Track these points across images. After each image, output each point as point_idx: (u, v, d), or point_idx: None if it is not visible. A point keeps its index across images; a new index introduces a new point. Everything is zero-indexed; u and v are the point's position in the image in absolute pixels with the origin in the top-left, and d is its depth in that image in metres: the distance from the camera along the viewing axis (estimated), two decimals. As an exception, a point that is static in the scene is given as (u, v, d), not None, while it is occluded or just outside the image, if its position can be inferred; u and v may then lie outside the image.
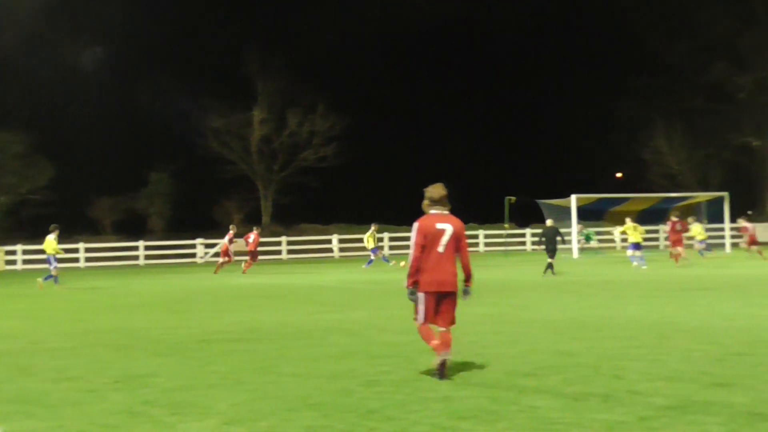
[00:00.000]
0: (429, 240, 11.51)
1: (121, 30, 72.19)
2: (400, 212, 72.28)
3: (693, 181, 75.65)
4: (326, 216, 70.63)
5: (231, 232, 42.65)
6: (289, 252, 60.38)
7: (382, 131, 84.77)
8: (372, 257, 45.58)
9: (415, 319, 11.77)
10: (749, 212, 76.15)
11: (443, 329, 11.61)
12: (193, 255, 58.26)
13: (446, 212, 11.76)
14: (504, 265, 43.17)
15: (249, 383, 11.51)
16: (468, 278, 12.02)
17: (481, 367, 12.28)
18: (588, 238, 49.86)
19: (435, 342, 11.42)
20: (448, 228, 11.58)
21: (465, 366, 12.32)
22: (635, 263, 37.53)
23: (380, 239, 54.88)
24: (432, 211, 11.73)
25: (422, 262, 11.51)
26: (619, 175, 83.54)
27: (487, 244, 63.70)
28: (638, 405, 9.63)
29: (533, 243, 36.50)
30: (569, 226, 51.54)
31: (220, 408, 10.07)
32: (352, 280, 34.19)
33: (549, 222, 35.94)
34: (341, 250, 61.62)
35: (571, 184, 57.61)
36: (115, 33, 71.61)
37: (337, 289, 29.37)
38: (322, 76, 76.99)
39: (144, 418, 9.77)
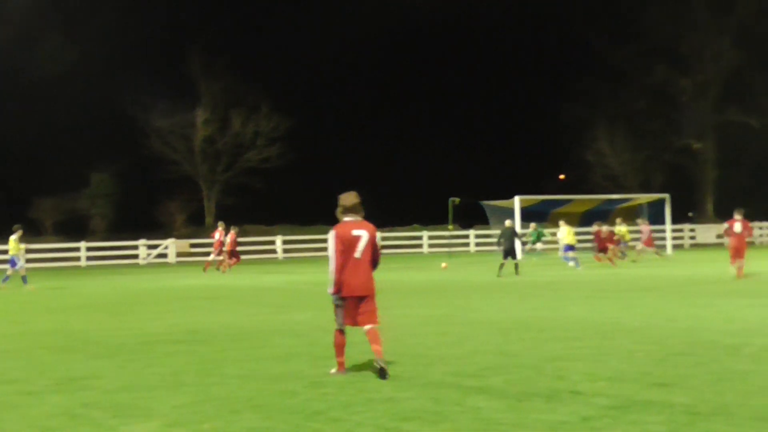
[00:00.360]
0: (346, 246, 11.89)
1: (62, 29, 71.37)
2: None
3: (635, 182, 76.35)
4: (270, 217, 70.33)
5: (233, 232, 42.40)
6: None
7: (325, 131, 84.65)
8: None
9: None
10: (690, 214, 77.26)
11: (369, 327, 12.05)
12: (136, 256, 57.80)
13: (360, 219, 12.12)
14: (448, 266, 43.23)
15: (191, 385, 11.43)
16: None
17: (425, 368, 12.29)
18: (539, 237, 50.04)
19: (341, 359, 12.04)
20: (363, 234, 12.00)
21: (409, 367, 12.32)
22: (570, 264, 38.03)
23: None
24: (346, 219, 12.10)
25: (340, 267, 11.90)
26: (562, 176, 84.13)
27: (431, 246, 63.82)
28: (581, 405, 9.68)
29: (497, 244, 36.61)
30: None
31: (163, 410, 9.98)
32: (296, 281, 34.10)
33: (507, 223, 36.14)
34: (285, 251, 61.42)
35: (515, 185, 57.88)
36: (57, 32, 70.71)
37: (281, 291, 29.28)
38: (265, 76, 76.70)
39: (84, 420, 9.65)
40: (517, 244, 35.96)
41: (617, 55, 78.08)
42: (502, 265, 34.01)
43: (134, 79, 70.98)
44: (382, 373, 11.56)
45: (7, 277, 33.75)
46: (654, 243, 45.70)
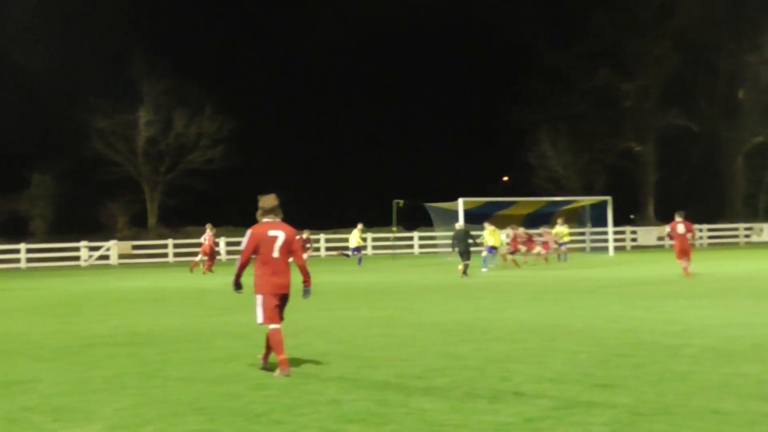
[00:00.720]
0: (263, 246, 12.54)
1: (3, 28, 70.52)
2: (288, 214, 72.31)
3: (578, 185, 76.96)
4: (214, 218, 69.91)
5: (210, 233, 42.42)
6: (176, 255, 59.68)
7: (270, 133, 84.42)
8: (359, 255, 46.12)
9: (258, 321, 12.73)
10: (632, 216, 78.05)
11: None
12: (78, 258, 57.19)
13: (278, 220, 12.75)
14: (392, 268, 43.27)
15: (134, 388, 11.33)
16: (306, 279, 12.87)
17: (369, 369, 12.28)
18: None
19: (283, 357, 12.15)
20: (280, 235, 12.56)
21: (353, 369, 12.31)
22: (485, 266, 38.31)
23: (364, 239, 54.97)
24: (265, 220, 12.74)
25: (259, 267, 12.68)
26: (505, 178, 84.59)
27: (375, 248, 63.82)
28: (524, 406, 9.73)
29: (451, 246, 36.74)
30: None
31: (104, 413, 9.88)
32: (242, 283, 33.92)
33: (459, 224, 36.10)
34: (229, 252, 61.08)
35: (459, 187, 58.08)
36: (-2, 31, 70.03)
37: (224, 293, 29.08)
38: (209, 77, 76.38)
39: (24, 424, 9.53)
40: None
41: (559, 58, 78.78)
42: (466, 266, 34.09)
43: (76, 79, 70.37)
44: (265, 362, 12.55)
45: None
46: (551, 247, 45.53)
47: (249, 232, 12.65)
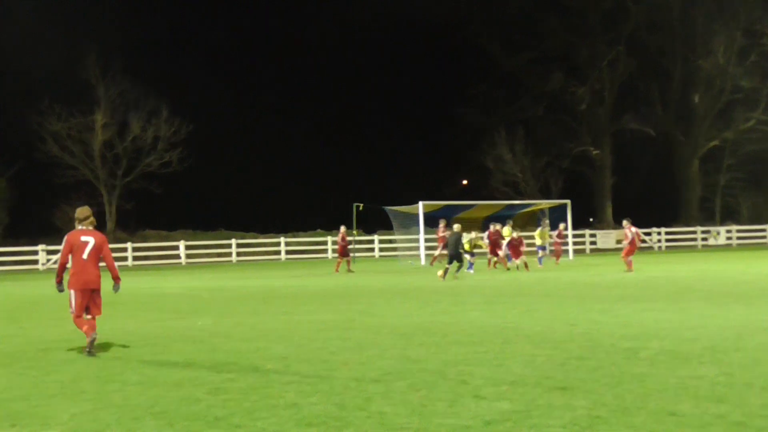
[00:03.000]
0: (75, 249, 14.93)
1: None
2: (247, 217, 72.06)
3: (535, 188, 77.37)
4: (171, 222, 69.67)
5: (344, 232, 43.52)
6: (135, 258, 59.38)
7: (227, 136, 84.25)
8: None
9: (71, 312, 14.99)
10: (591, 219, 78.59)
11: (90, 317, 15.06)
12: (35, 261, 56.72)
13: (90, 228, 15.20)
14: (351, 271, 43.25)
15: (91, 392, 11.26)
16: (115, 278, 15.41)
17: (328, 373, 12.27)
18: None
19: (85, 327, 14.76)
20: (90, 240, 15.03)
21: (312, 372, 12.30)
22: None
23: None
24: (79, 227, 15.16)
25: (72, 266, 14.95)
26: (464, 182, 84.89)
27: (334, 251, 63.68)
28: (483, 409, 9.76)
29: (442, 248, 36.98)
30: (417, 232, 52.07)
31: (62, 418, 9.81)
32: (197, 287, 33.81)
33: (456, 227, 35.77)
34: (188, 256, 60.86)
35: (418, 190, 58.22)
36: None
37: (182, 296, 28.98)
38: (165, 79, 76.06)
39: (-20, 430, 9.44)
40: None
41: (513, 62, 79.22)
42: (447, 270, 34.09)
43: (30, 81, 69.80)
44: (90, 348, 14.62)
45: None
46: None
47: (66, 238, 15.03)
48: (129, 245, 59.86)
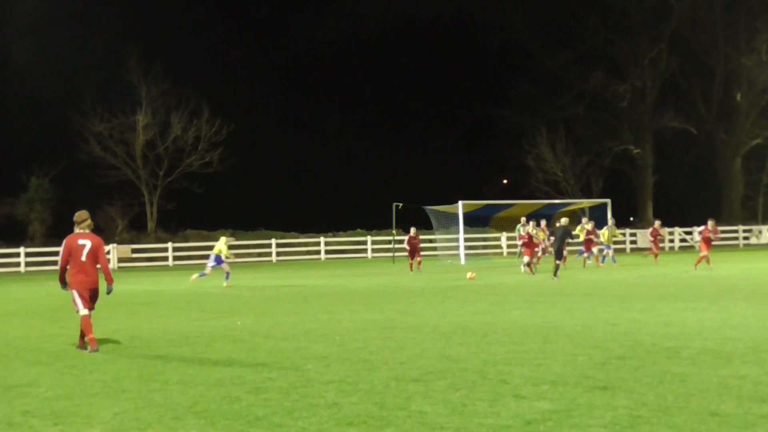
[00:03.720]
0: (73, 252, 15.57)
1: (1, 32, 70.55)
2: (287, 217, 72.23)
3: (576, 187, 76.97)
4: (211, 222, 69.96)
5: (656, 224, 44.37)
6: (176, 259, 59.67)
7: (268, 136, 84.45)
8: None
9: (77, 311, 15.62)
10: (632, 218, 78.06)
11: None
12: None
13: (87, 231, 15.84)
14: (391, 271, 43.28)
15: (133, 391, 11.33)
16: (109, 281, 16.16)
17: (368, 372, 12.28)
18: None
19: (92, 336, 15.40)
20: (87, 243, 15.66)
21: (353, 372, 12.30)
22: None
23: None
24: (77, 230, 15.80)
25: (71, 268, 15.57)
26: (505, 181, 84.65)
27: (374, 251, 63.76)
28: (524, 409, 9.73)
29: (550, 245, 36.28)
30: (457, 232, 52.01)
31: (104, 417, 9.88)
32: (238, 286, 33.92)
33: (563, 220, 34.96)
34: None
35: (458, 189, 58.16)
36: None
37: (223, 296, 29.10)
38: (207, 80, 76.44)
39: (24, 428, 9.53)
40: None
41: (555, 61, 78.93)
42: (557, 266, 33.44)
43: (74, 82, 70.34)
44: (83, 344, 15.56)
45: None
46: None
47: (64, 241, 15.69)
48: (170, 245, 60.14)
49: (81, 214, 15.94)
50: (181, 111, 69.22)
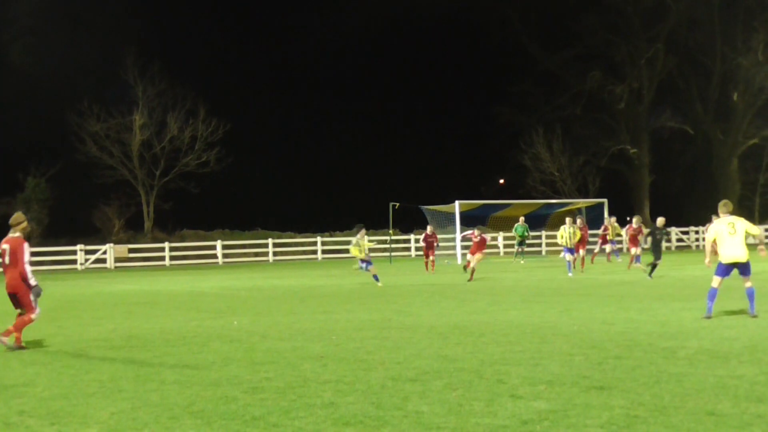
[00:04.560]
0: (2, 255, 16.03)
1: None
2: (284, 217, 72.22)
3: (572, 187, 76.99)
4: (208, 222, 69.92)
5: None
6: (172, 258, 59.64)
7: (264, 135, 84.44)
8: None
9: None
10: (628, 218, 78.05)
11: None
12: (74, 261, 57.09)
13: (16, 234, 16.07)
14: (388, 271, 43.26)
15: (129, 391, 11.33)
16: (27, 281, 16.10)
17: (365, 372, 12.28)
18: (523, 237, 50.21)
19: (19, 334, 15.97)
20: (6, 247, 15.96)
21: (349, 372, 12.31)
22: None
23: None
24: (11, 235, 16.03)
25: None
26: (502, 181, 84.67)
27: (371, 250, 63.58)
28: (520, 409, 9.74)
29: (644, 242, 35.45)
30: (453, 231, 52.02)
31: (100, 417, 9.88)
32: (234, 286, 33.93)
33: (659, 221, 34.44)
34: (225, 256, 61.07)
35: (455, 189, 58.16)
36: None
37: (219, 296, 29.10)
38: (203, 80, 76.40)
39: (20, 428, 9.53)
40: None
41: (551, 60, 78.99)
42: (653, 266, 32.54)
43: (70, 82, 70.31)
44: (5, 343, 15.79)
45: None
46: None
47: None
48: (167, 245, 60.13)
49: (15, 218, 16.24)
50: (178, 111, 69.21)
